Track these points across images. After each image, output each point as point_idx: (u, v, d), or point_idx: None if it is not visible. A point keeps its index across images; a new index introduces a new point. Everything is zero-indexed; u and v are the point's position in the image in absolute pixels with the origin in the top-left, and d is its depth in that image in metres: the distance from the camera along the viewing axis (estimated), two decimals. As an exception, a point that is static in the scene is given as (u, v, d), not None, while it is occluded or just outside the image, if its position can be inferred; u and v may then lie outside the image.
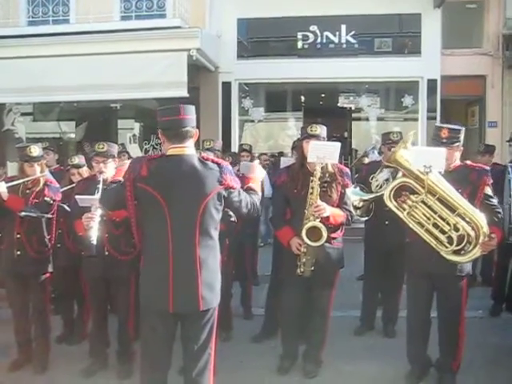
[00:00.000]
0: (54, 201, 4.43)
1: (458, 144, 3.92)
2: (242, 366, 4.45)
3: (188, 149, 3.05)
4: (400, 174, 4.01)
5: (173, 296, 2.96)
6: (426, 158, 3.70)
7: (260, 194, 3.44)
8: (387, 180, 4.11)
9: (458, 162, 3.99)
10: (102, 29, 9.27)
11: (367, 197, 4.12)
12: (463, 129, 4.01)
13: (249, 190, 3.35)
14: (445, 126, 4.03)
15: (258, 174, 3.55)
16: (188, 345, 3.13)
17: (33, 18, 10.82)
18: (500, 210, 3.97)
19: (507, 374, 4.27)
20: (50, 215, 4.40)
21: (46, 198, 4.39)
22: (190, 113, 3.07)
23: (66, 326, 5.17)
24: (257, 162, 3.75)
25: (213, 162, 3.07)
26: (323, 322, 4.32)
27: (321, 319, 4.31)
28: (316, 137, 4.11)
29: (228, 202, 3.11)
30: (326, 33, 10.64)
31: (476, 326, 5.16)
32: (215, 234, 3.10)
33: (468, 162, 4.07)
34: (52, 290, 4.88)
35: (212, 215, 3.02)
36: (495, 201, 3.97)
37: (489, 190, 3.92)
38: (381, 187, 4.46)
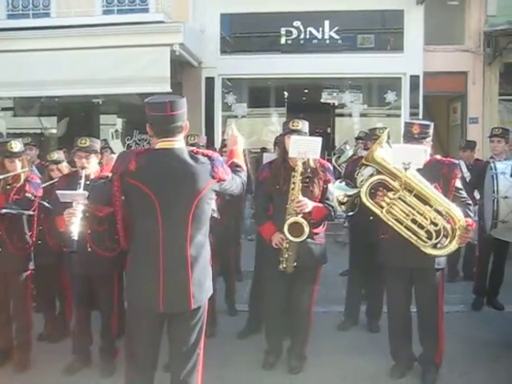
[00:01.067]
0: (35, 197, 4.36)
1: (428, 139, 4.01)
2: (227, 362, 4.44)
3: (177, 142, 2.94)
4: None
5: (163, 295, 2.86)
6: (404, 155, 3.76)
7: (244, 167, 3.35)
8: (372, 175, 4.12)
9: (428, 157, 4.05)
10: (83, 23, 9.21)
11: (351, 192, 4.13)
12: (432, 124, 4.11)
13: (234, 167, 3.25)
14: (416, 122, 4.13)
15: (240, 146, 3.45)
16: (176, 345, 3.04)
17: (12, 11, 10.67)
18: (470, 202, 4.04)
19: (490, 367, 4.31)
20: (31, 212, 4.32)
21: (26, 194, 4.30)
22: (180, 107, 2.92)
23: (48, 324, 5.11)
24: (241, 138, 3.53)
25: (203, 155, 2.96)
26: (306, 318, 4.33)
27: (304, 315, 4.31)
28: (298, 132, 4.10)
29: (220, 192, 3.07)
30: (309, 28, 10.68)
31: (458, 320, 5.22)
32: (206, 229, 3.01)
33: (438, 157, 4.16)
34: (33, 287, 4.82)
35: (204, 210, 2.94)
36: (464, 193, 4.05)
37: (459, 183, 4.00)
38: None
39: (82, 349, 4.43)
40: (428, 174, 3.87)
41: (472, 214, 3.98)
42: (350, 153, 7.31)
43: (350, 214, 4.42)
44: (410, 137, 3.97)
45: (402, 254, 3.91)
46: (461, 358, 4.47)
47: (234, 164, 3.30)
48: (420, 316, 4.15)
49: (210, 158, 2.96)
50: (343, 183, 4.22)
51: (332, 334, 5.10)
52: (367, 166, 4.15)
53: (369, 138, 5.50)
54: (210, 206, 3.03)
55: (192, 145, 5.15)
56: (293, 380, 4.23)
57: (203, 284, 2.98)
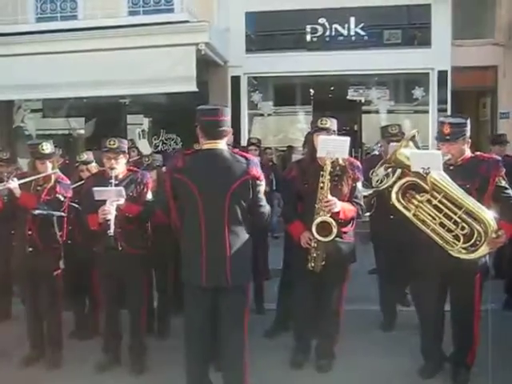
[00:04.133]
0: (65, 197, 4.43)
1: (463, 138, 3.82)
2: (255, 361, 4.43)
3: (220, 144, 3.39)
4: (399, 169, 3.97)
5: (206, 271, 3.31)
6: (422, 160, 3.68)
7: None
8: (387, 175, 4.06)
9: (468, 154, 3.90)
10: (109, 24, 9.30)
11: (367, 192, 4.10)
12: (468, 121, 3.89)
13: None
14: (447, 121, 3.89)
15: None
16: (222, 321, 3.42)
17: (41, 14, 10.82)
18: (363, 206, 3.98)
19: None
20: (62, 213, 4.41)
21: (57, 195, 4.39)
22: (227, 114, 3.44)
23: (78, 322, 5.18)
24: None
25: (241, 155, 3.42)
26: (335, 317, 4.31)
27: (333, 313, 4.29)
28: (326, 130, 4.07)
29: (254, 192, 3.39)
30: (334, 25, 10.57)
31: (490, 318, 5.11)
32: (244, 220, 3.40)
33: (478, 153, 3.98)
34: (64, 286, 4.89)
35: (240, 202, 3.34)
36: (511, 192, 3.85)
37: (502, 182, 3.81)
38: (381, 182, 4.40)
39: (111, 347, 4.49)
40: (463, 173, 3.76)
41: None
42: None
43: (367, 214, 4.35)
44: (441, 138, 3.84)
45: (437, 253, 3.76)
46: (493, 357, 4.38)
47: None
48: (454, 316, 4.04)
49: (246, 158, 3.41)
50: (359, 183, 4.17)
51: (362, 332, 5.03)
52: (388, 167, 4.08)
53: (381, 136, 5.41)
54: (247, 201, 3.38)
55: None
56: (321, 379, 4.21)
57: (241, 267, 3.41)
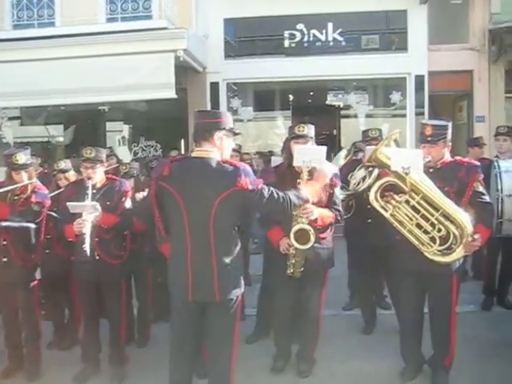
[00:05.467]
0: (43, 207, 4.35)
1: (443, 140, 3.87)
2: (236, 367, 4.43)
3: (212, 153, 3.22)
4: (376, 171, 4.01)
5: (192, 285, 3.18)
6: (403, 159, 3.69)
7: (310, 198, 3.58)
8: (364, 178, 4.09)
9: (447, 159, 3.94)
10: (87, 31, 9.24)
11: (343, 195, 4.12)
12: (449, 124, 3.95)
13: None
14: (429, 122, 3.98)
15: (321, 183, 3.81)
16: (210, 336, 3.33)
17: (17, 21, 10.74)
18: (492, 208, 3.92)
19: (500, 369, 4.28)
20: (32, 225, 4.24)
21: (32, 205, 4.29)
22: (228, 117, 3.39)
23: (57, 332, 5.13)
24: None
25: (230, 164, 3.19)
26: (315, 322, 4.31)
27: (312, 318, 4.29)
28: (303, 137, 4.08)
29: (249, 203, 3.23)
30: (312, 31, 10.67)
31: (468, 320, 5.18)
32: (232, 233, 3.25)
33: (458, 158, 4.01)
34: (42, 296, 4.84)
35: (226, 214, 3.16)
36: (487, 198, 3.91)
37: (480, 187, 3.85)
38: (358, 184, 4.44)
39: (91, 357, 4.44)
40: (442, 176, 3.79)
41: (490, 221, 3.86)
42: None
43: (345, 216, 4.38)
44: (422, 139, 3.89)
45: (415, 256, 3.78)
46: (471, 359, 4.44)
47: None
48: (432, 319, 4.08)
49: (235, 167, 3.17)
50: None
51: (341, 337, 5.07)
52: (368, 167, 4.11)
53: (362, 139, 5.47)
54: (237, 213, 3.23)
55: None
56: (302, 384, 4.22)
57: (230, 279, 3.25)
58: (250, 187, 3.14)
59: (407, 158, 3.69)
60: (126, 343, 4.58)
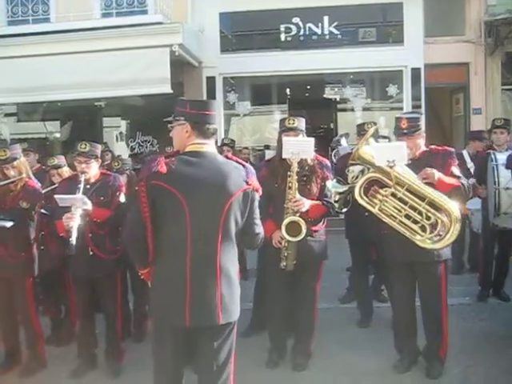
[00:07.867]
0: (33, 205, 4.32)
1: (419, 132, 4.02)
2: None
3: (210, 146, 2.79)
4: None
5: (189, 308, 2.65)
6: (387, 153, 3.76)
7: None
8: (362, 171, 4.12)
9: (422, 148, 4.06)
10: (82, 27, 9.23)
11: (342, 189, 4.15)
12: (422, 116, 4.20)
13: None
14: (404, 116, 4.16)
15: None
16: (205, 362, 2.82)
17: (12, 17, 10.72)
18: (464, 182, 3.96)
19: (495, 360, 4.29)
20: (7, 224, 4.13)
21: (20, 203, 4.25)
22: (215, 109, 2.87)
23: (54, 328, 5.14)
24: None
25: (237, 162, 2.83)
26: (310, 315, 4.33)
27: (308, 312, 4.31)
28: (294, 129, 4.09)
29: (252, 207, 2.83)
30: (308, 24, 10.66)
31: (464, 312, 5.20)
32: (235, 242, 2.80)
33: (433, 147, 4.13)
34: (39, 292, 4.85)
35: (236, 217, 2.72)
36: (464, 180, 3.98)
37: (456, 170, 3.97)
38: (357, 178, 4.46)
39: (87, 352, 4.46)
40: (421, 166, 3.88)
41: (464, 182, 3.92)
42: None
43: (344, 210, 4.40)
44: (399, 132, 4.02)
45: (403, 248, 3.87)
46: (466, 350, 4.45)
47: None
48: (424, 310, 4.13)
49: (243, 165, 2.84)
50: (334, 180, 4.22)
51: (338, 330, 5.07)
52: (352, 164, 4.16)
53: (357, 133, 5.48)
54: (244, 216, 2.78)
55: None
56: (297, 377, 4.23)
57: (234, 299, 2.78)
58: (259, 188, 2.84)
59: (391, 152, 3.76)
60: (122, 338, 4.58)
